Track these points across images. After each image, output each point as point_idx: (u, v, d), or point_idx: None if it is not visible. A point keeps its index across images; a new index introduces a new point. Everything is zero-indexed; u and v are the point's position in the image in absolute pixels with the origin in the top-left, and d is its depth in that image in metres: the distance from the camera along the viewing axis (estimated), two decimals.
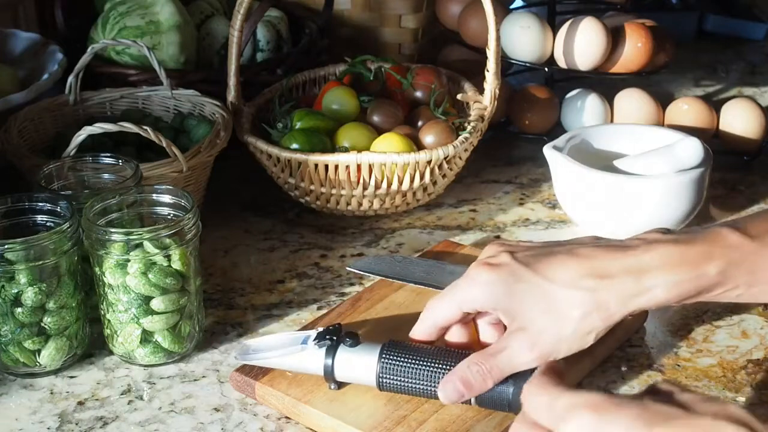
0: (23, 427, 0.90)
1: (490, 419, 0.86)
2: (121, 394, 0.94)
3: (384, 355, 0.86)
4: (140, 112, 1.27)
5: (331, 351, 0.87)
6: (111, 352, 0.98)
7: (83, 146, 1.06)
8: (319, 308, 1.06)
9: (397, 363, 0.86)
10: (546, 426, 0.66)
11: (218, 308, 1.06)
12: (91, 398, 0.93)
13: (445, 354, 0.86)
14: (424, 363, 0.85)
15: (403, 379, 0.85)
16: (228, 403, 0.92)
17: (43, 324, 0.94)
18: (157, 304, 0.94)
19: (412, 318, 1.00)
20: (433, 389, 0.85)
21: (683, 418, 0.61)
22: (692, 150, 1.16)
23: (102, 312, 0.96)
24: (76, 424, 0.90)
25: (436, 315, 0.87)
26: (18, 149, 1.12)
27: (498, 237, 1.20)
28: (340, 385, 0.89)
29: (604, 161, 1.19)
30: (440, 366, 0.85)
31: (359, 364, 0.87)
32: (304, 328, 0.99)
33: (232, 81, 1.24)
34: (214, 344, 1.00)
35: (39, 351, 0.95)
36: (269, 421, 0.90)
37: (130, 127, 1.04)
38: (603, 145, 1.23)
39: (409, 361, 0.85)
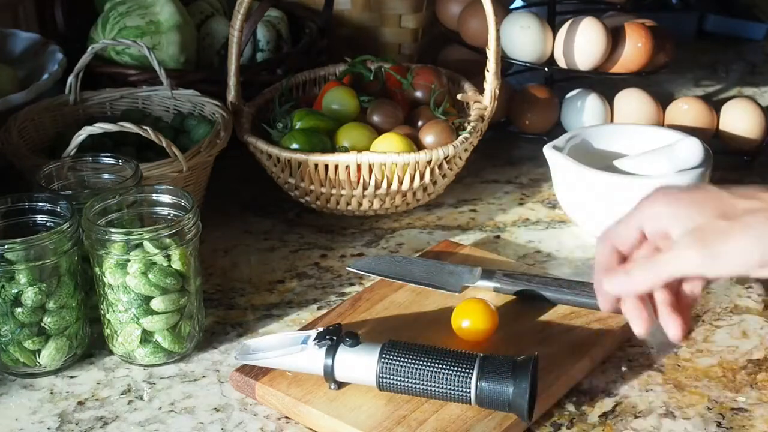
0: (23, 427, 0.90)
1: (490, 419, 0.86)
2: (121, 394, 0.94)
3: (384, 355, 0.86)
4: (140, 112, 1.27)
5: (331, 351, 0.87)
6: (111, 352, 0.98)
7: (83, 146, 1.06)
8: (319, 308, 1.06)
9: (397, 363, 0.86)
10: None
11: (218, 308, 1.06)
12: (91, 398, 0.93)
13: (445, 354, 0.86)
14: (424, 363, 0.85)
15: (403, 379, 0.85)
16: (228, 403, 0.92)
17: (43, 324, 0.94)
18: (157, 304, 0.94)
19: (412, 318, 1.00)
20: (433, 389, 0.85)
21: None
22: (692, 150, 1.16)
23: (102, 312, 0.97)
24: (76, 424, 0.90)
25: (614, 237, 0.82)
26: (18, 149, 1.12)
27: (498, 237, 1.20)
28: (340, 385, 0.89)
29: (604, 161, 1.19)
30: (440, 366, 0.85)
31: (359, 364, 0.87)
32: (304, 328, 0.99)
33: (232, 81, 1.24)
34: (214, 344, 1.00)
35: (39, 351, 0.95)
36: (269, 421, 0.90)
37: (130, 127, 1.04)
38: (603, 145, 1.23)
39: (409, 361, 0.85)
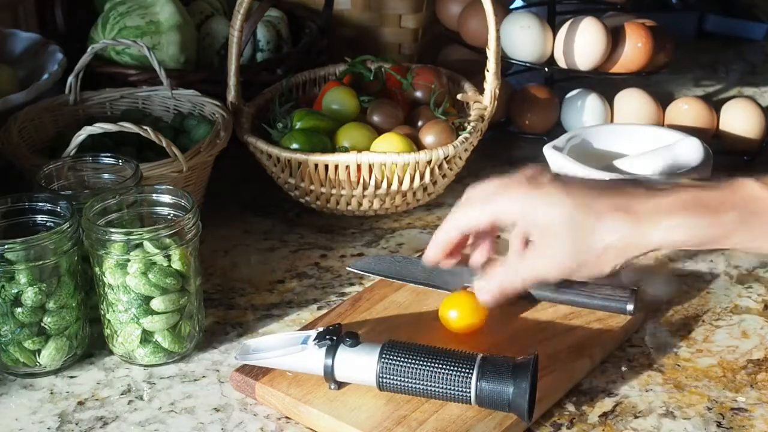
0: (23, 427, 0.90)
1: (490, 419, 0.86)
2: (121, 394, 0.94)
3: (384, 355, 0.86)
4: (140, 112, 1.27)
5: (331, 351, 0.87)
6: (111, 352, 0.98)
7: (83, 146, 1.06)
8: (319, 308, 1.06)
9: (397, 363, 0.86)
10: None
11: (218, 308, 1.06)
12: (91, 398, 0.93)
13: (445, 354, 0.86)
14: (424, 363, 0.85)
15: (403, 379, 0.85)
16: (228, 403, 0.92)
17: (43, 324, 0.94)
18: (157, 304, 0.94)
19: (413, 318, 1.00)
20: (433, 389, 0.85)
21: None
22: (692, 150, 1.16)
23: (102, 312, 0.96)
24: (76, 424, 0.90)
25: (462, 218, 0.89)
26: (18, 149, 1.12)
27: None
28: (340, 385, 0.89)
29: (604, 161, 1.19)
30: (440, 366, 0.85)
31: (359, 364, 0.87)
32: (304, 328, 0.99)
33: (232, 81, 1.24)
34: (214, 344, 1.00)
35: (39, 351, 0.95)
36: (269, 421, 0.90)
37: (130, 127, 1.04)
38: (603, 145, 1.23)
39: (409, 361, 0.85)
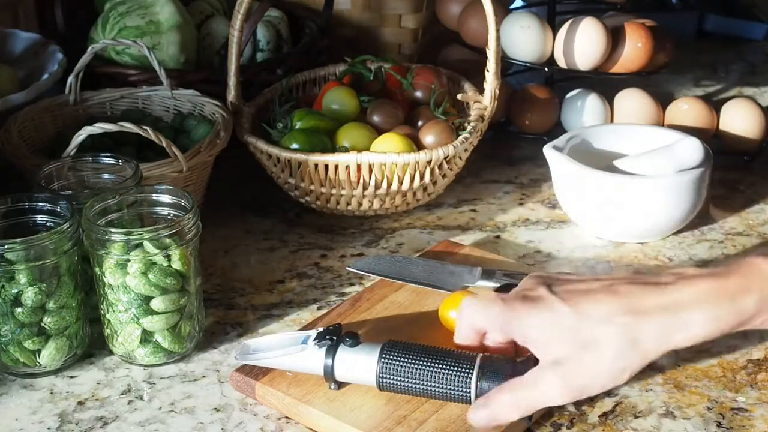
0: (23, 427, 0.90)
1: None
2: (121, 394, 0.94)
3: (384, 355, 0.86)
4: (140, 112, 1.27)
5: (331, 351, 0.87)
6: (111, 352, 0.98)
7: (83, 146, 1.06)
8: (319, 308, 1.06)
9: (397, 363, 0.86)
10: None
11: (218, 308, 1.06)
12: (91, 398, 0.93)
13: (445, 354, 0.86)
14: (424, 363, 0.85)
15: (403, 379, 0.85)
16: (228, 403, 0.92)
17: (43, 324, 0.94)
18: (157, 304, 0.94)
19: (412, 318, 1.00)
20: (433, 389, 0.85)
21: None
22: (692, 150, 1.16)
23: (102, 312, 0.96)
24: (76, 424, 0.90)
25: (473, 320, 0.87)
26: (18, 149, 1.12)
27: (498, 237, 1.20)
28: (340, 385, 0.89)
29: (604, 161, 1.19)
30: (440, 366, 0.85)
31: (359, 364, 0.87)
32: (304, 328, 0.99)
33: (232, 81, 1.24)
34: (214, 344, 1.00)
35: (39, 351, 0.95)
36: (269, 421, 0.90)
37: (130, 127, 1.04)
38: (603, 145, 1.23)
39: (409, 361, 0.85)
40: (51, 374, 0.96)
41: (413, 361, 0.85)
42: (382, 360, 0.86)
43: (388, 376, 0.86)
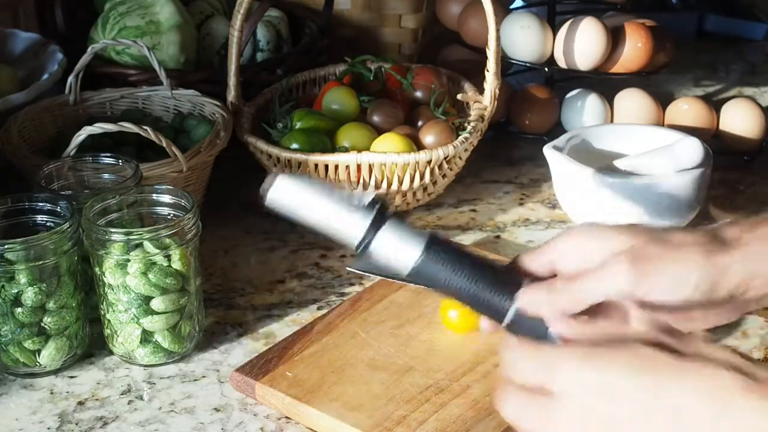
0: (23, 427, 0.90)
1: (490, 419, 0.86)
2: (121, 394, 0.94)
3: (432, 242, 0.74)
4: (140, 112, 1.27)
5: (378, 222, 0.73)
6: (111, 352, 0.98)
7: (83, 146, 1.06)
8: (319, 308, 1.06)
9: (444, 255, 0.73)
10: (533, 381, 0.62)
11: (218, 308, 1.06)
12: (91, 398, 0.93)
13: (493, 267, 0.75)
14: (472, 264, 0.74)
15: (446, 271, 0.74)
16: (228, 403, 0.92)
17: (43, 324, 0.94)
18: (157, 304, 0.94)
19: (412, 318, 1.00)
20: (472, 292, 0.74)
21: (674, 363, 0.59)
22: (692, 150, 1.16)
23: (102, 312, 0.96)
24: (76, 424, 0.90)
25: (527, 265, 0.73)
26: (18, 149, 1.12)
27: (498, 237, 1.20)
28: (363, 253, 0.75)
29: (604, 161, 1.19)
30: (487, 273, 0.74)
31: (401, 243, 0.73)
32: (304, 327, 0.99)
33: (232, 81, 1.24)
34: (214, 344, 1.00)
35: (39, 351, 0.95)
36: (269, 421, 0.90)
37: (130, 127, 1.04)
38: (603, 145, 1.23)
39: (457, 257, 0.74)
40: (51, 374, 0.96)
41: (460, 259, 0.74)
42: (430, 247, 0.73)
43: (431, 264, 0.74)
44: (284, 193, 0.73)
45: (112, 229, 0.93)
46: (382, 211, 0.73)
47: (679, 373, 0.59)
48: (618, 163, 1.19)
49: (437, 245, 0.73)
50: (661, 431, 0.58)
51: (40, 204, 0.98)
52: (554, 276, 0.72)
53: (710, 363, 0.59)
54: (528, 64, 1.37)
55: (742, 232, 0.70)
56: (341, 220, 0.73)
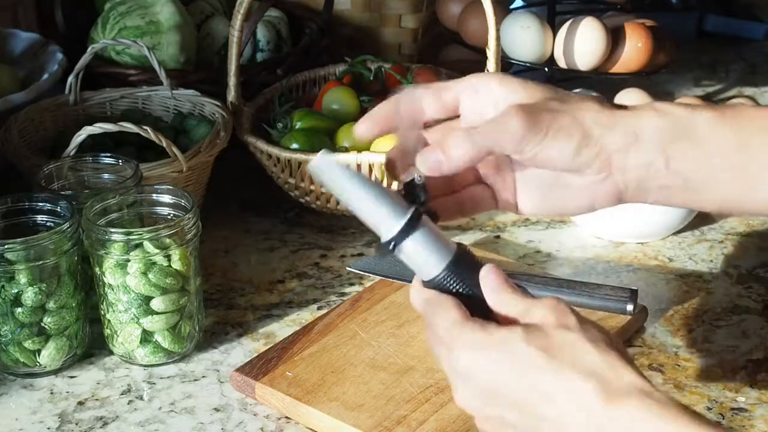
0: (23, 427, 0.90)
1: None
2: (121, 394, 0.94)
3: (454, 264, 0.71)
4: (140, 112, 1.27)
5: (414, 222, 0.70)
6: (111, 352, 0.98)
7: (83, 146, 1.06)
8: (319, 308, 1.06)
9: (464, 274, 0.71)
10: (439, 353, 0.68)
11: (218, 308, 1.06)
12: (91, 398, 0.93)
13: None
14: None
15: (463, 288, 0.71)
16: (228, 403, 0.92)
17: (43, 324, 0.94)
18: (157, 304, 0.94)
19: (412, 318, 1.00)
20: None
21: (546, 367, 0.63)
22: None
23: (102, 312, 0.97)
24: (76, 424, 0.90)
25: (418, 98, 0.74)
26: (18, 149, 1.12)
27: (498, 237, 1.20)
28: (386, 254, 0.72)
29: None
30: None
31: (425, 256, 0.70)
32: (304, 328, 0.99)
33: (232, 81, 1.24)
34: (214, 344, 1.00)
35: (39, 351, 0.95)
36: (269, 421, 0.90)
37: (130, 127, 1.04)
38: None
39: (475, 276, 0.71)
40: (51, 374, 0.96)
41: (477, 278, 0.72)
42: (453, 265, 0.71)
43: (451, 279, 0.71)
44: (328, 169, 0.71)
45: (112, 229, 0.93)
46: (416, 217, 0.70)
47: (550, 378, 0.63)
48: None
49: (461, 263, 0.71)
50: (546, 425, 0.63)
51: (40, 204, 0.98)
52: (456, 116, 0.75)
53: (574, 370, 0.62)
54: (528, 64, 1.37)
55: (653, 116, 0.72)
56: (375, 214, 0.71)
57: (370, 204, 0.70)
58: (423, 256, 0.70)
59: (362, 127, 0.75)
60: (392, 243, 0.70)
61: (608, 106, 0.73)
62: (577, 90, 1.41)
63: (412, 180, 0.72)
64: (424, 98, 0.74)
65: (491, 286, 0.69)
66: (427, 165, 0.70)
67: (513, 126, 0.69)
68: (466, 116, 0.74)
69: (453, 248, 0.71)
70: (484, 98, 0.73)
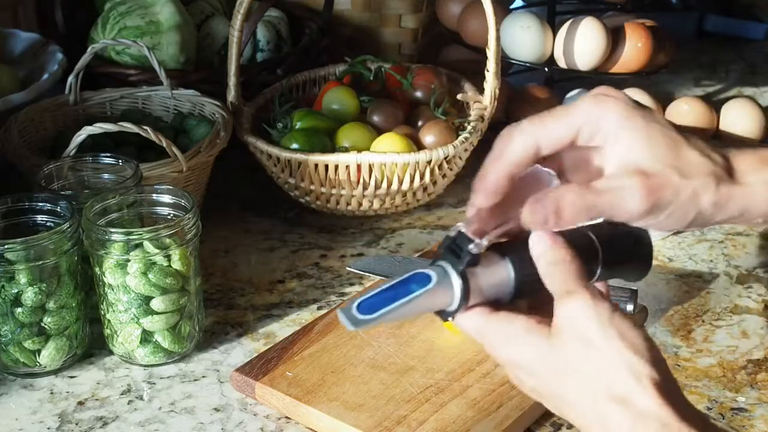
0: (23, 427, 0.90)
1: (490, 419, 0.86)
2: (121, 394, 0.94)
3: (515, 262, 0.70)
4: (140, 112, 1.27)
5: (466, 291, 0.68)
6: (111, 352, 0.98)
7: (83, 146, 1.06)
8: (319, 308, 1.06)
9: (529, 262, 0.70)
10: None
11: (218, 308, 1.06)
12: (91, 398, 0.93)
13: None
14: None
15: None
16: (228, 403, 0.92)
17: (43, 324, 0.94)
18: (157, 304, 0.94)
19: (412, 318, 1.00)
20: None
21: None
22: None
23: (102, 312, 0.96)
24: (76, 424, 0.90)
25: (544, 127, 0.68)
26: (18, 149, 1.12)
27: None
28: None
29: None
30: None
31: (493, 279, 0.69)
32: (304, 328, 0.99)
33: (232, 81, 1.24)
34: (214, 344, 1.00)
35: (39, 351, 0.95)
36: (269, 421, 0.90)
37: (130, 127, 1.04)
38: None
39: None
40: (51, 374, 0.96)
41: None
42: (517, 267, 0.70)
43: (527, 277, 0.70)
44: (360, 324, 0.68)
45: (112, 229, 0.93)
46: (465, 287, 0.68)
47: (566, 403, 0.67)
48: None
49: (520, 266, 0.69)
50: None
51: (40, 204, 0.98)
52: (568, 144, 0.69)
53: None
54: (528, 64, 1.37)
55: (752, 166, 0.70)
56: (429, 308, 0.69)
57: (417, 308, 0.68)
58: (493, 291, 0.69)
59: (479, 201, 0.68)
60: (457, 312, 0.68)
61: (726, 180, 0.69)
62: (577, 90, 1.41)
63: (462, 233, 0.68)
64: (537, 136, 0.68)
65: (539, 262, 0.68)
66: (533, 219, 0.66)
67: (634, 202, 0.66)
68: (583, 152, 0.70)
69: (507, 261, 0.69)
70: (600, 136, 0.68)
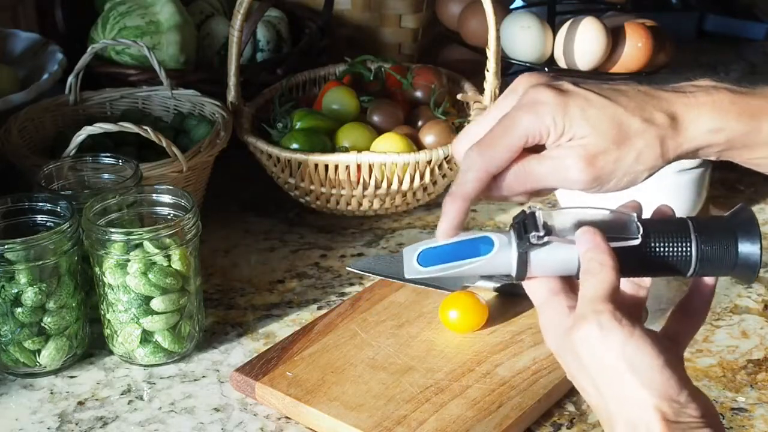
0: (23, 427, 0.90)
1: (490, 419, 0.86)
2: (121, 394, 0.94)
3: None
4: (140, 112, 1.27)
5: (524, 250, 0.70)
6: (111, 352, 0.98)
7: (83, 146, 1.06)
8: (319, 308, 1.06)
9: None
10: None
11: (218, 308, 1.06)
12: (91, 398, 0.93)
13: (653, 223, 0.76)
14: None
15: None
16: (228, 403, 0.92)
17: (43, 324, 0.94)
18: (157, 304, 0.94)
19: (413, 318, 1.00)
20: (653, 260, 0.75)
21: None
22: None
23: (102, 312, 0.97)
24: (76, 424, 0.90)
25: (491, 158, 0.71)
26: (18, 149, 1.12)
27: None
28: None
29: None
30: (657, 236, 0.76)
31: (557, 257, 0.71)
32: (304, 328, 0.99)
33: (232, 81, 1.24)
34: (214, 344, 1.01)
35: (39, 351, 0.95)
36: (269, 421, 0.90)
37: (130, 127, 1.04)
38: None
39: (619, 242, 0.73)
40: (51, 374, 0.96)
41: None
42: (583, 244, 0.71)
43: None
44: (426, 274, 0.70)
45: (112, 229, 0.93)
46: (523, 252, 0.70)
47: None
48: None
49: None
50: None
51: (40, 204, 0.98)
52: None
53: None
54: (528, 64, 1.37)
55: (698, 117, 0.74)
56: (488, 266, 0.70)
57: (476, 271, 0.70)
58: (557, 269, 0.71)
59: (440, 236, 0.71)
60: (519, 274, 0.70)
61: (670, 136, 0.74)
62: None
63: (533, 215, 0.71)
64: (486, 168, 0.71)
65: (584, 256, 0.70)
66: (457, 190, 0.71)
67: (576, 172, 0.72)
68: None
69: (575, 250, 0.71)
70: (550, 140, 0.71)
